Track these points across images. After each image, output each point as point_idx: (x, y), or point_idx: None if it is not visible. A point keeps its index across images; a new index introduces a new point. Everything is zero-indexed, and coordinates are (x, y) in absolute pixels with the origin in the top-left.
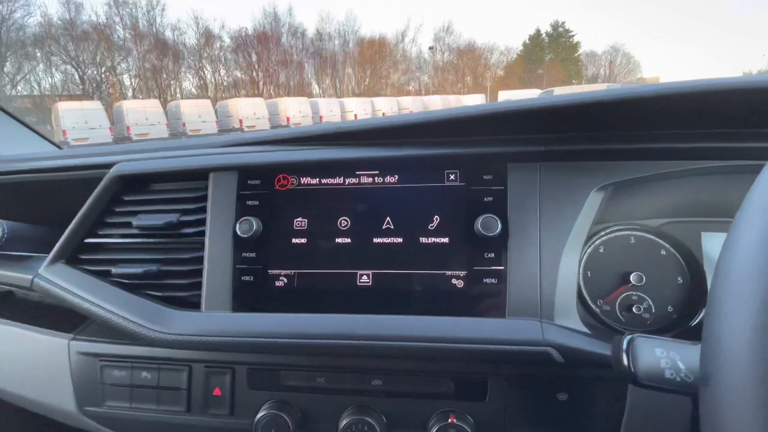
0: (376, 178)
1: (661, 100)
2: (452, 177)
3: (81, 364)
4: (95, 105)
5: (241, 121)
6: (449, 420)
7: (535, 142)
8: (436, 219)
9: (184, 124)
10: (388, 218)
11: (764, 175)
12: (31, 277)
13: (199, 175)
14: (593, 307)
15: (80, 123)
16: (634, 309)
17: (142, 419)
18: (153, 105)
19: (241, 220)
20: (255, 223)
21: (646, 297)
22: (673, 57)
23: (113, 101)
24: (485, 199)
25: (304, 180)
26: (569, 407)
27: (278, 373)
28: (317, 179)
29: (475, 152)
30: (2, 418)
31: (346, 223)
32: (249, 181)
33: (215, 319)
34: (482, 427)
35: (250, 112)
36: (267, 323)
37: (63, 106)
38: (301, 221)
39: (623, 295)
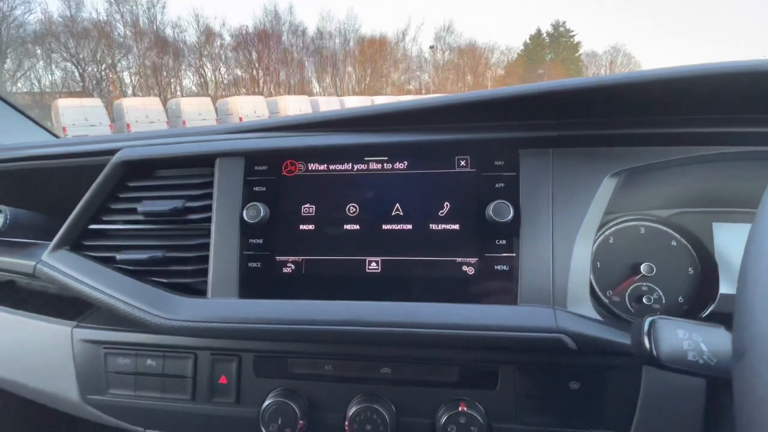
0: (385, 164)
1: (674, 83)
2: (463, 163)
3: (84, 351)
4: (95, 102)
5: (241, 119)
6: (459, 408)
7: (547, 128)
8: (447, 205)
9: (184, 122)
10: (397, 204)
11: None
12: (33, 263)
13: (205, 161)
14: (602, 297)
15: (80, 120)
16: (644, 300)
17: (146, 407)
18: (153, 103)
19: (248, 205)
20: (262, 209)
21: (657, 288)
22: (674, 57)
23: (113, 99)
24: (497, 185)
25: (312, 166)
26: (581, 396)
27: (285, 361)
28: (325, 165)
29: (486, 138)
30: (3, 407)
31: (354, 209)
32: (256, 167)
33: (221, 305)
34: (493, 415)
35: (251, 110)
36: (274, 310)
37: (63, 103)
38: (309, 207)
39: (633, 286)
